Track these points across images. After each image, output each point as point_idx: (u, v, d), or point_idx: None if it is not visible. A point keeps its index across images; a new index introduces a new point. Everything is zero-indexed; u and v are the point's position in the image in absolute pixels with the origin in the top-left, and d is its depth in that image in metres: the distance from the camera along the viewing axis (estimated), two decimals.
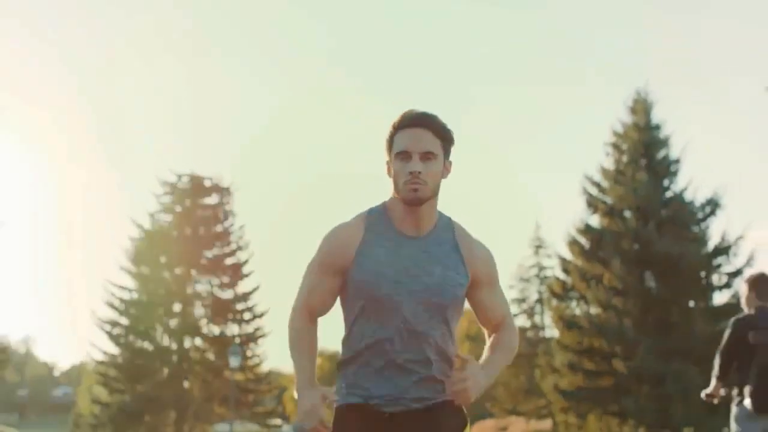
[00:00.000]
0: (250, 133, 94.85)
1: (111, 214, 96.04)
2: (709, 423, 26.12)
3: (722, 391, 6.60)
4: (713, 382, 6.61)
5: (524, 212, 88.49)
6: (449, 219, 3.21)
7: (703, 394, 6.63)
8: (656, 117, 30.29)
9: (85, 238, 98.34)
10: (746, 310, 6.66)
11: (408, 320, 3.05)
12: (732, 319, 6.66)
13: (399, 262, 3.08)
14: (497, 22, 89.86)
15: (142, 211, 39.68)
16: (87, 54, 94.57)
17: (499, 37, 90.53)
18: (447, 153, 3.14)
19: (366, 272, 3.07)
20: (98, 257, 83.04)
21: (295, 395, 3.07)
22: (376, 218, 3.15)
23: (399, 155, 3.08)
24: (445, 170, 3.15)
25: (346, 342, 3.18)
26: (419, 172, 3.03)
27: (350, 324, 3.14)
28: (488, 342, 3.30)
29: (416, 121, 3.09)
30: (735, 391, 6.49)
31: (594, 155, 62.50)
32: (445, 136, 3.11)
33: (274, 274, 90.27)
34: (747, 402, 6.35)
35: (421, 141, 3.06)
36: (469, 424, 3.20)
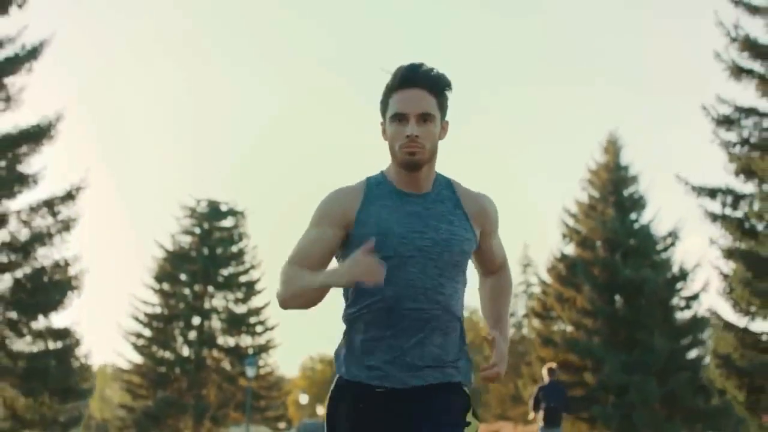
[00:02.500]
0: (251, 135, 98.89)
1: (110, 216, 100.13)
2: (668, 428, 31.24)
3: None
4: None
5: (525, 215, 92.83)
6: (446, 177, 3.19)
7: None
8: (625, 158, 35.44)
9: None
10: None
11: (416, 277, 3.00)
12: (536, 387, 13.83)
13: (404, 219, 3.03)
14: (498, 27, 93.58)
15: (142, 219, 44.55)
16: (86, 57, 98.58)
17: (501, 41, 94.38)
18: (444, 111, 3.08)
19: (370, 227, 3.02)
20: (121, 275, 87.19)
21: (329, 281, 2.82)
22: (376, 181, 3.13)
23: (394, 117, 3.02)
24: (443, 131, 3.09)
25: (350, 303, 3.10)
26: (416, 136, 2.98)
27: (354, 288, 3.06)
28: (485, 285, 3.37)
29: (411, 81, 3.02)
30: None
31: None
32: (441, 92, 3.05)
33: None
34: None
35: (417, 102, 3.00)
36: (472, 409, 3.15)
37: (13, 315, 20.07)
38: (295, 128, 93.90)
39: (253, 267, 42.80)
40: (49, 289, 20.15)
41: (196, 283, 41.80)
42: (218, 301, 42.04)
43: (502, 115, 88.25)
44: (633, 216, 34.98)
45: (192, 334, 41.50)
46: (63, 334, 21.69)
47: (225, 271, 42.21)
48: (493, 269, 3.35)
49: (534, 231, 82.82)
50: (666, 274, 34.15)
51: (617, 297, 33.90)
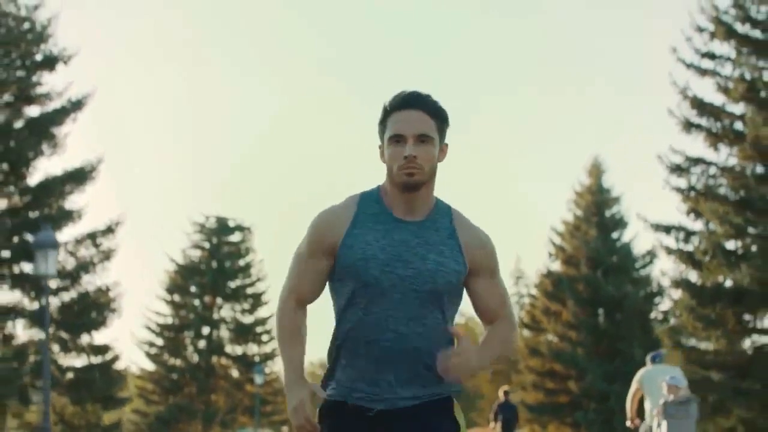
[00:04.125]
0: (250, 136, 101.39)
1: None
2: None
3: None
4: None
5: (524, 219, 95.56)
6: (448, 205, 3.18)
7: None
8: (608, 181, 39.11)
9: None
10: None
11: (397, 307, 3.01)
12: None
13: (390, 246, 3.04)
14: (499, 30, 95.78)
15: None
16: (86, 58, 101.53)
17: (501, 45, 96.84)
18: (443, 135, 3.10)
19: (354, 255, 3.04)
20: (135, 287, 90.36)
21: (285, 390, 3.02)
22: (368, 200, 3.13)
23: (392, 139, 3.04)
24: (441, 153, 3.11)
25: (334, 331, 3.16)
26: (414, 156, 3.00)
27: (339, 312, 3.12)
28: (483, 334, 3.27)
29: (410, 103, 3.06)
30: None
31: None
32: (440, 117, 3.09)
33: None
34: None
35: (415, 123, 3.03)
36: (463, 428, 3.17)
37: (61, 333, 23.74)
38: (298, 137, 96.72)
39: (259, 279, 46.17)
40: (92, 310, 23.88)
41: (206, 294, 44.98)
42: (226, 311, 45.30)
43: (499, 120, 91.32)
44: (614, 235, 38.60)
45: (201, 343, 44.73)
46: (104, 349, 25.68)
47: (233, 284, 45.38)
48: (491, 319, 3.22)
49: (528, 242, 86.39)
50: (645, 289, 37.81)
51: (599, 311, 37.51)
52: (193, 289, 45.20)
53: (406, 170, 3.01)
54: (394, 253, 3.04)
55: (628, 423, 12.41)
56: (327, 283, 3.17)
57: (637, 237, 38.48)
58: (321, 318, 3.42)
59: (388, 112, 3.10)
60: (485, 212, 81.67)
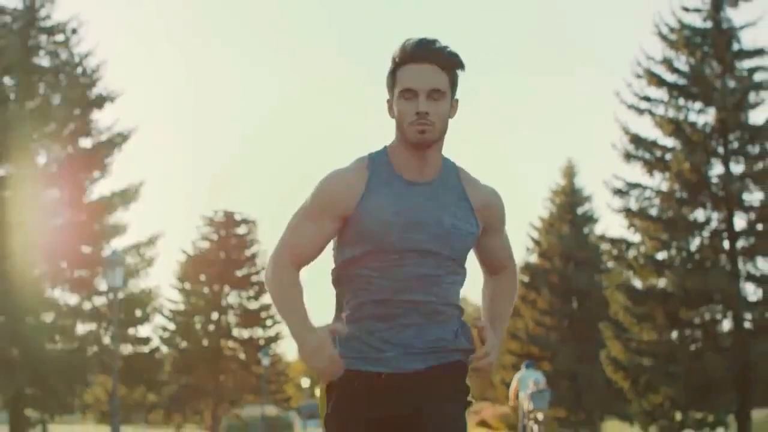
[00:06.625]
0: (251, 125, 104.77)
1: None
2: (613, 407, 40.93)
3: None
4: None
5: (522, 203, 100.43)
6: (454, 164, 3.22)
7: None
8: (580, 182, 45.16)
9: None
10: None
11: (414, 270, 3.06)
12: None
13: (406, 210, 3.06)
14: (499, 10, 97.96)
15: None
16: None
17: (503, 24, 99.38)
18: (454, 89, 3.10)
19: (371, 220, 3.06)
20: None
21: (296, 341, 3.01)
22: (378, 164, 3.13)
23: (403, 93, 3.03)
24: (453, 109, 3.11)
25: (341, 297, 3.21)
26: (426, 113, 3.00)
27: (349, 278, 3.15)
28: (488, 285, 3.39)
29: (422, 55, 3.03)
30: None
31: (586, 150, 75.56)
32: (453, 69, 3.08)
33: None
34: None
35: (428, 78, 3.02)
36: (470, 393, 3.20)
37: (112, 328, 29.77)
38: (299, 121, 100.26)
39: (263, 268, 51.61)
40: (137, 308, 30.01)
41: (214, 282, 50.22)
42: (233, 298, 50.70)
43: (494, 102, 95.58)
44: (585, 230, 44.62)
45: (211, 327, 50.12)
46: (146, 341, 32.16)
47: (239, 273, 50.73)
48: (496, 270, 3.37)
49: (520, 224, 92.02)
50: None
51: (571, 300, 43.57)
52: (202, 277, 50.27)
53: (419, 127, 3.01)
54: (410, 217, 3.06)
55: (510, 403, 21.18)
56: (326, 248, 3.17)
57: (608, 230, 44.59)
58: (322, 306, 3.46)
59: (398, 64, 3.07)
60: None
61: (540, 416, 19.17)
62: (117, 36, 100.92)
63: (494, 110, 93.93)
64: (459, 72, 3.12)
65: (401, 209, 3.08)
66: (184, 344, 50.11)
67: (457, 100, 3.13)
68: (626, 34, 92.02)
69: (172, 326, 50.10)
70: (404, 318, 3.09)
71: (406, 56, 3.06)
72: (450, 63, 3.08)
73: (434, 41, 3.07)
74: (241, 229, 52.12)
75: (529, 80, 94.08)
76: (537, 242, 45.23)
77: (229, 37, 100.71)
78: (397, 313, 3.08)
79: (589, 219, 44.89)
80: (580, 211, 44.95)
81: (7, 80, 28.78)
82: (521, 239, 47.46)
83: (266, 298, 50.88)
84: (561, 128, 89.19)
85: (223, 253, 51.16)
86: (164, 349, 49.62)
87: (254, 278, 51.43)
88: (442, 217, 3.10)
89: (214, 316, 50.45)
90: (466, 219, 3.14)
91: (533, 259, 45.34)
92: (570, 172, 45.34)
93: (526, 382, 19.76)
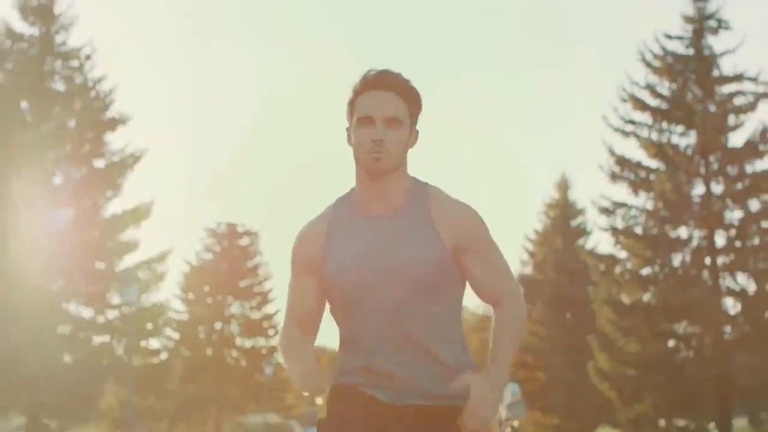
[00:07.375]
0: (252, 125, 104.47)
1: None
2: (605, 415, 42.68)
3: None
4: None
5: (519, 197, 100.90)
6: (425, 186, 3.14)
7: None
8: (573, 195, 46.98)
9: None
10: None
11: (380, 307, 3.01)
12: None
13: (361, 246, 3.05)
14: (500, 9, 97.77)
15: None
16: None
17: (503, 24, 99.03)
18: (414, 119, 3.07)
19: (330, 264, 3.06)
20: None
21: (294, 379, 3.07)
22: (340, 206, 3.14)
23: (361, 120, 3.01)
24: (411, 139, 3.07)
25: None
26: (381, 140, 2.97)
27: (338, 324, 3.17)
28: (493, 318, 3.24)
29: (380, 82, 3.02)
30: None
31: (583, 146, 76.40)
32: (412, 100, 3.05)
33: None
34: None
35: (386, 105, 3.00)
36: None
37: (125, 340, 31.65)
38: (300, 118, 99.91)
39: (265, 279, 52.19)
40: (148, 322, 31.92)
41: (218, 293, 51.15)
42: (236, 308, 51.20)
43: (493, 99, 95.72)
44: (579, 242, 46.39)
45: (214, 337, 50.78)
46: (157, 352, 34.03)
47: (242, 283, 51.53)
48: (488, 301, 3.22)
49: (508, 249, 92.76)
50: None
51: (564, 311, 45.36)
52: (206, 288, 51.22)
53: (374, 155, 2.98)
54: (365, 251, 3.03)
55: None
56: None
57: (599, 245, 46.37)
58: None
59: (357, 92, 3.05)
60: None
61: (516, 423, 20.75)
62: (125, 59, 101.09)
63: (494, 109, 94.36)
64: (419, 105, 3.11)
65: (356, 244, 3.08)
66: (188, 353, 50.90)
67: (417, 132, 3.11)
68: (613, 58, 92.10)
69: (176, 336, 51.03)
70: (382, 358, 3.07)
71: (365, 84, 3.05)
72: (409, 92, 3.07)
73: (396, 72, 3.07)
74: (244, 241, 53.17)
75: (529, 78, 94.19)
76: (532, 254, 47.05)
77: (236, 59, 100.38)
78: (372, 352, 3.08)
79: (583, 231, 46.70)
80: (573, 224, 46.75)
81: (24, 104, 30.59)
82: (516, 251, 49.33)
83: (269, 308, 52.13)
84: (557, 143, 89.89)
85: (226, 264, 52.08)
86: (165, 356, 51.02)
87: (257, 288, 52.46)
88: (400, 247, 3.04)
89: (218, 325, 51.29)
90: (427, 243, 3.04)
91: (528, 270, 47.14)
92: (564, 186, 47.15)
93: (504, 393, 21.70)
